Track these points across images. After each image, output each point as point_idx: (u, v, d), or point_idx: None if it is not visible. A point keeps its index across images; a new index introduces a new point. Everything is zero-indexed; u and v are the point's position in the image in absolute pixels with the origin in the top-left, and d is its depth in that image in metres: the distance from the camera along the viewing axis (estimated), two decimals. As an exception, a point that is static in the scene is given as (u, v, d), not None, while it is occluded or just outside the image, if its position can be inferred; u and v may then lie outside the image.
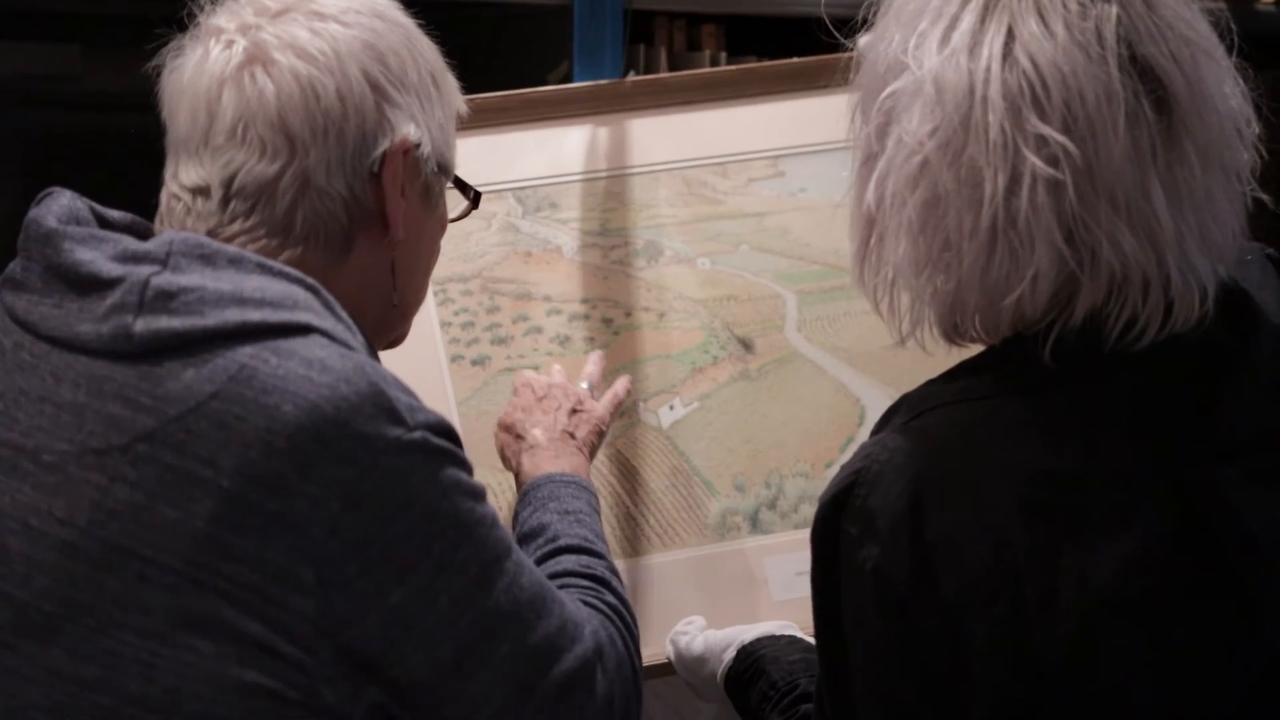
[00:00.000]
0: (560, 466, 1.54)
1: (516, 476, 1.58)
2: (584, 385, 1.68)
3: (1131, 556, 1.12)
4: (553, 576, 1.39)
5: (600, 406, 1.66)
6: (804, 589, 1.68)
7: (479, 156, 1.80)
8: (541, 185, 1.87)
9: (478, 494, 1.22)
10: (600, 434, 1.64)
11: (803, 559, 1.69)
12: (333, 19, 1.30)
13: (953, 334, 1.23)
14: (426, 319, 1.76)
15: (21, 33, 2.43)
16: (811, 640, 1.57)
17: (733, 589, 1.71)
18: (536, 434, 1.58)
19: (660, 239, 1.87)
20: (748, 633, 1.57)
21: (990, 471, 1.15)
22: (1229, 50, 1.21)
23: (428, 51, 1.36)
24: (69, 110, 2.54)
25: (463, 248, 1.82)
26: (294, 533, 1.13)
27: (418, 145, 1.31)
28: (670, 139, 1.92)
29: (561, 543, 1.43)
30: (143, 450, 1.15)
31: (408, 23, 1.36)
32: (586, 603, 1.35)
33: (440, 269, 1.78)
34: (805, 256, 1.88)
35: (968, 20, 1.17)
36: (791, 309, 1.85)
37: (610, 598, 1.37)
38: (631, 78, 2.02)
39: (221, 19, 1.31)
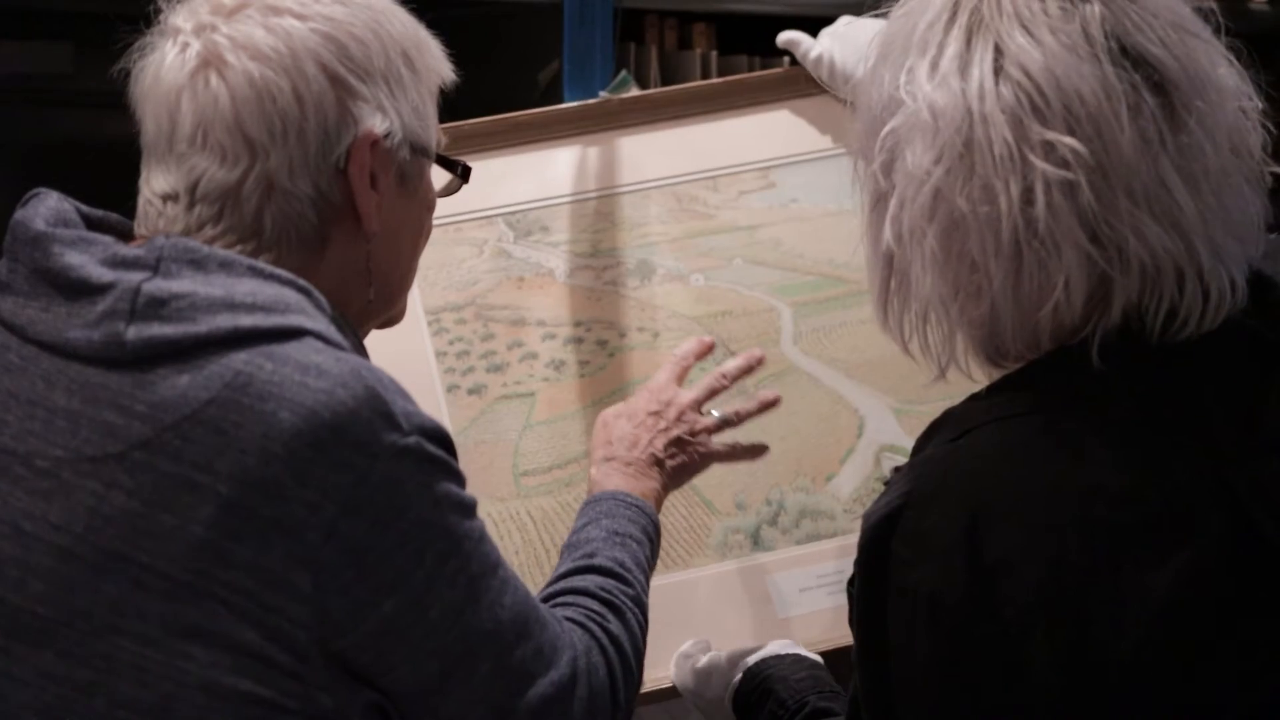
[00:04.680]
0: (629, 487, 1.52)
1: (590, 476, 1.57)
2: (714, 414, 1.62)
3: (1189, 568, 1.11)
4: (569, 592, 1.39)
5: (716, 446, 1.61)
6: (807, 605, 1.72)
7: (469, 183, 1.80)
8: (532, 209, 1.87)
9: (467, 507, 1.23)
10: (696, 470, 1.60)
11: (805, 575, 1.73)
12: (288, 12, 1.27)
13: (995, 357, 1.22)
14: (421, 349, 1.77)
15: (13, 32, 2.43)
16: (816, 657, 1.58)
17: (736, 607, 1.71)
18: (621, 447, 1.56)
19: (652, 257, 1.87)
20: (753, 654, 1.58)
21: (1044, 491, 1.14)
22: (1217, 28, 1.21)
23: (399, 30, 1.32)
24: (61, 109, 2.54)
25: (455, 275, 1.82)
26: (290, 539, 1.13)
27: (386, 135, 1.29)
28: (659, 155, 1.91)
29: (595, 562, 1.42)
30: (139, 458, 1.15)
31: (377, 1, 1.32)
32: (583, 626, 1.34)
33: (433, 298, 1.80)
34: (799, 268, 1.88)
35: (954, 46, 1.17)
36: (787, 322, 1.85)
37: (614, 626, 1.36)
38: (619, 94, 2.02)
39: (179, 18, 1.29)
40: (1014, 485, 1.15)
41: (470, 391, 1.76)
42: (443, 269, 1.82)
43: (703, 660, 1.61)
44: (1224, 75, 1.19)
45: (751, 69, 2.63)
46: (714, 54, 2.63)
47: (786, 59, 1.99)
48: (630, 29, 2.56)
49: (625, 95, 1.99)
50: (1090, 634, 1.11)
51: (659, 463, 1.56)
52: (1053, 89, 1.13)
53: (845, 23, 1.92)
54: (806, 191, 1.91)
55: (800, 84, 1.96)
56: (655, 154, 1.91)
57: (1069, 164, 1.12)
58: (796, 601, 1.72)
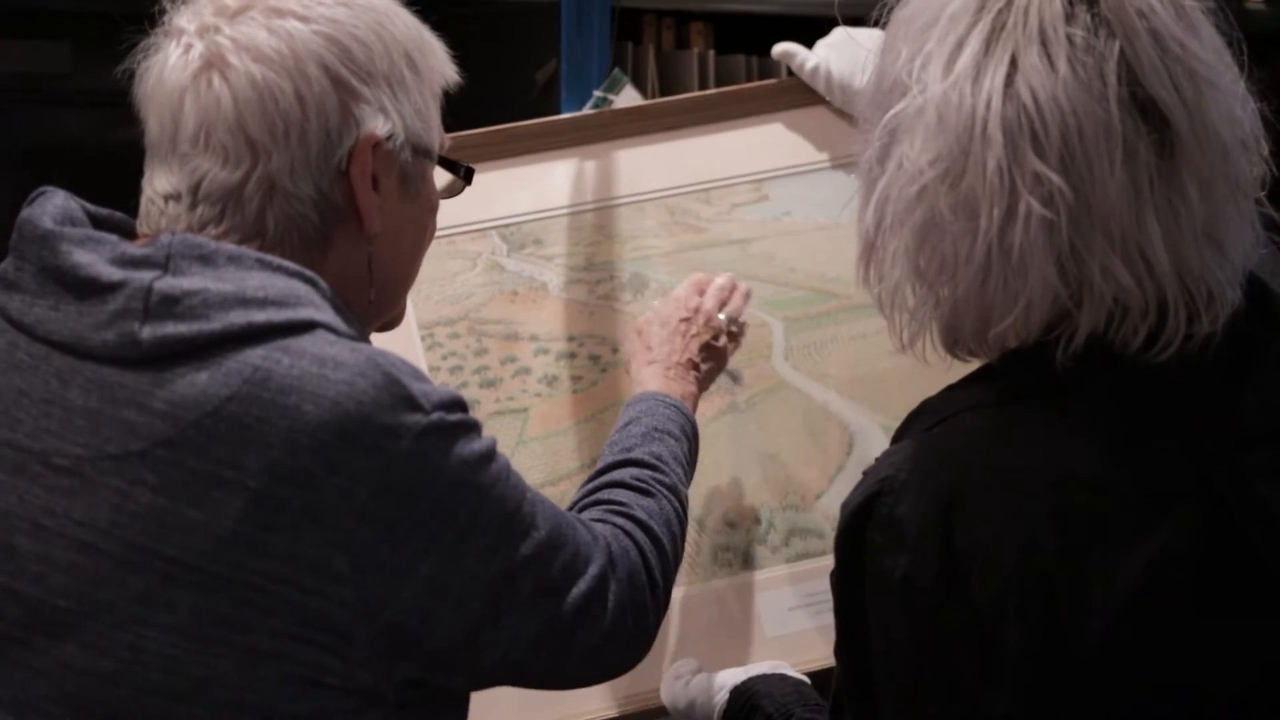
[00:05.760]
0: (668, 389, 1.60)
1: (632, 378, 1.66)
2: (721, 317, 1.71)
3: (1160, 554, 1.13)
4: (606, 486, 1.45)
5: (728, 347, 1.71)
6: (797, 624, 1.73)
7: (462, 195, 1.79)
8: (526, 222, 1.87)
9: (490, 455, 1.25)
10: (719, 371, 1.71)
11: (794, 594, 1.74)
12: (291, 14, 1.27)
13: (953, 347, 1.24)
14: (415, 364, 1.76)
15: (11, 30, 2.43)
16: (802, 676, 1.60)
17: (725, 627, 1.72)
18: (662, 352, 1.65)
19: (645, 271, 1.87)
20: (740, 674, 1.59)
21: (1017, 478, 1.15)
22: (1236, 57, 1.21)
23: (402, 32, 1.33)
24: (58, 108, 2.54)
25: (448, 289, 1.83)
26: (324, 524, 1.15)
27: (388, 137, 1.30)
28: (653, 167, 1.91)
29: (632, 455, 1.49)
30: (162, 455, 1.16)
31: (380, 3, 1.33)
32: (606, 521, 1.38)
33: (426, 313, 1.80)
34: (790, 282, 1.88)
35: (972, 45, 1.16)
36: (778, 337, 1.85)
37: (640, 512, 1.41)
38: (613, 93, 2.02)
39: (184, 19, 1.29)
40: (987, 472, 1.16)
41: (463, 408, 1.76)
42: (436, 282, 1.82)
43: (692, 681, 1.62)
44: (1237, 120, 1.18)
45: (749, 69, 2.63)
46: (711, 54, 2.62)
47: (784, 67, 1.99)
48: (627, 28, 2.55)
49: (620, 107, 1.98)
50: (1061, 619, 1.12)
51: (695, 366, 1.66)
52: (1055, 119, 1.13)
53: (841, 33, 1.92)
54: (799, 204, 1.92)
55: (794, 94, 1.96)
56: (648, 166, 1.91)
57: (1053, 202, 1.13)
58: (785, 620, 1.73)
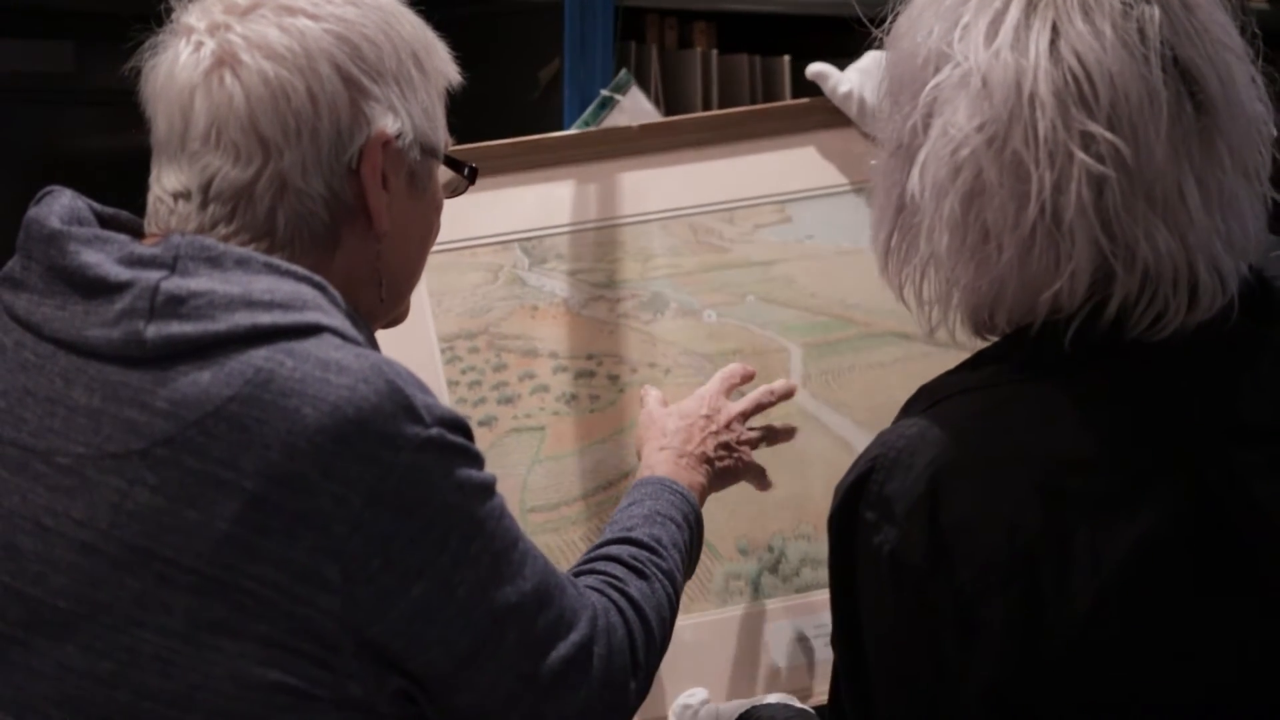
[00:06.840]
0: (677, 476, 1.57)
1: (642, 463, 1.62)
2: (753, 433, 1.67)
3: (1144, 539, 1.14)
4: (600, 559, 1.43)
5: (754, 460, 1.67)
6: (804, 655, 1.73)
7: (485, 207, 1.78)
8: (548, 235, 1.85)
9: (488, 488, 1.24)
10: (736, 478, 1.66)
11: (803, 624, 1.74)
12: (302, 12, 1.27)
13: (982, 328, 1.25)
14: (434, 379, 1.75)
15: (11, 30, 2.39)
16: (807, 707, 1.60)
17: (733, 655, 1.71)
18: (676, 439, 1.61)
19: (666, 290, 1.85)
20: (746, 705, 1.60)
21: (1006, 457, 1.16)
22: (1255, 54, 1.23)
23: (408, 31, 1.33)
24: (61, 108, 2.50)
25: (469, 302, 1.80)
26: (317, 531, 1.15)
27: (398, 136, 1.29)
28: (678, 185, 1.89)
29: (631, 535, 1.46)
30: (162, 454, 1.15)
31: (386, 3, 1.33)
32: (601, 591, 1.36)
33: (447, 326, 1.78)
34: (811, 307, 1.87)
35: (1013, 14, 1.17)
36: (796, 363, 1.84)
37: (634, 590, 1.39)
38: (619, 93, 1.99)
39: (193, 17, 1.29)
40: (976, 451, 1.17)
41: (481, 423, 1.74)
42: (457, 295, 1.80)
43: (700, 712, 1.62)
44: (1254, 100, 1.21)
45: (752, 68, 2.62)
46: (714, 53, 2.61)
47: (787, 66, 1.97)
48: (630, 27, 2.53)
49: (625, 106, 1.97)
50: (1043, 598, 1.14)
51: (709, 461, 1.61)
52: (1103, 81, 1.14)
53: (874, 59, 1.91)
54: (822, 227, 1.90)
55: (822, 115, 1.94)
56: (673, 183, 1.89)
57: (1105, 159, 1.14)
58: (794, 651, 1.72)
